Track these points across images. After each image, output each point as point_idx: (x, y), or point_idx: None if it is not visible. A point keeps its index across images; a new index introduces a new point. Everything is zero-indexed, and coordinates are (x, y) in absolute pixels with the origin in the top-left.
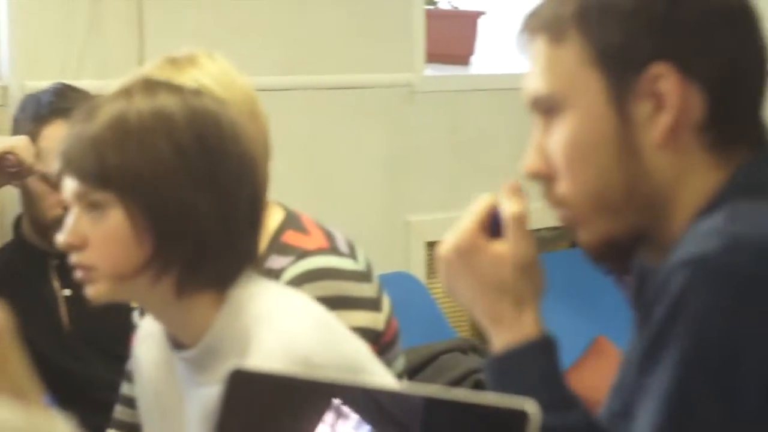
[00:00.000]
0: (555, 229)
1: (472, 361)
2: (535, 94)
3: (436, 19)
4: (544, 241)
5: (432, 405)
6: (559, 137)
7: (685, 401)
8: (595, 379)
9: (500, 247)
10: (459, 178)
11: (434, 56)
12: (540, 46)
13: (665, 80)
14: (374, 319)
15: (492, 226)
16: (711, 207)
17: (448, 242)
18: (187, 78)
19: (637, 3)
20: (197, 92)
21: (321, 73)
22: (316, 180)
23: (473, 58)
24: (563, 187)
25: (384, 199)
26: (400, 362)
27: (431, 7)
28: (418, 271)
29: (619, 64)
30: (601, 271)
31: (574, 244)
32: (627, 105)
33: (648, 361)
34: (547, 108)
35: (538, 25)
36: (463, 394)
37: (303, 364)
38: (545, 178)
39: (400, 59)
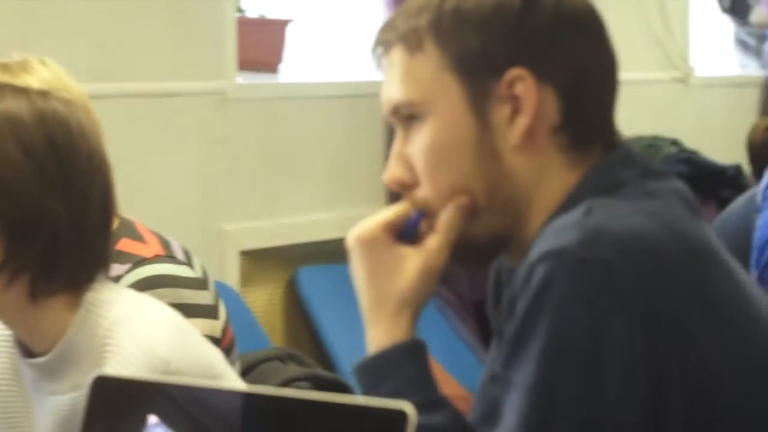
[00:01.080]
0: None
1: (291, 370)
2: (394, 103)
3: (245, 26)
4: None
5: (311, 408)
6: (420, 143)
7: (549, 391)
8: None
9: (408, 250)
10: (273, 186)
11: (244, 64)
12: (397, 56)
13: (521, 85)
14: (212, 327)
15: (405, 230)
16: (566, 205)
17: (354, 229)
18: (22, 84)
19: (492, 12)
20: (44, 93)
21: (133, 81)
22: (130, 189)
23: (281, 66)
24: (425, 191)
25: (198, 207)
26: (237, 368)
27: (239, 14)
28: (233, 280)
29: (477, 70)
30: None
31: None
32: (486, 110)
33: (512, 355)
34: (406, 116)
35: (394, 36)
36: (341, 397)
37: (163, 370)
38: (407, 185)
39: (212, 67)
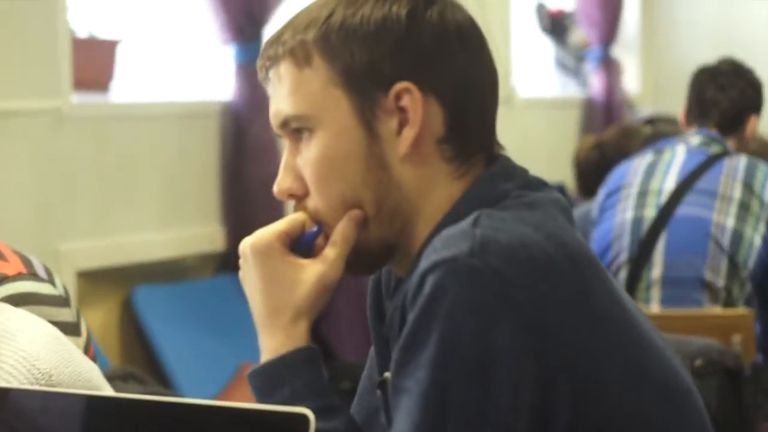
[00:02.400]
0: (199, 257)
1: (132, 389)
2: (284, 116)
3: (75, 46)
4: (188, 269)
5: (215, 415)
6: (310, 155)
7: (440, 397)
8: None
9: (305, 261)
10: (108, 205)
11: (75, 83)
12: (285, 70)
13: (408, 98)
14: (75, 343)
15: (302, 242)
16: (453, 216)
17: (249, 238)
18: None
19: (378, 27)
20: None
21: None
22: None
23: (112, 85)
24: (316, 202)
25: (33, 227)
26: None
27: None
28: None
29: (364, 84)
30: (245, 298)
31: (217, 273)
32: (373, 122)
33: (404, 362)
34: (296, 129)
35: (281, 50)
36: (244, 404)
37: (45, 383)
38: (298, 196)
39: (47, 85)
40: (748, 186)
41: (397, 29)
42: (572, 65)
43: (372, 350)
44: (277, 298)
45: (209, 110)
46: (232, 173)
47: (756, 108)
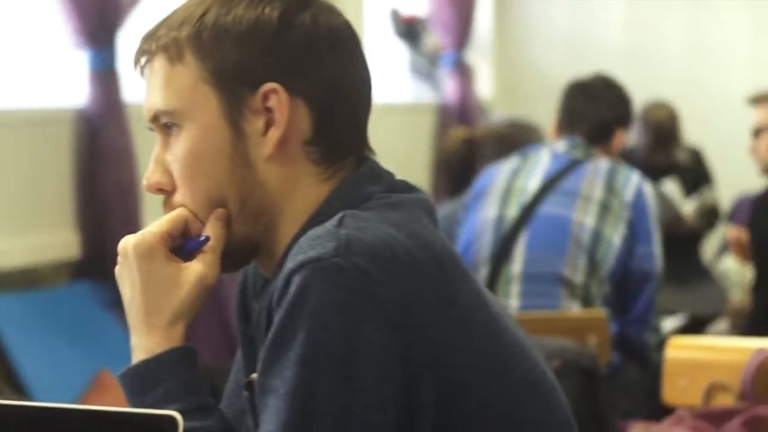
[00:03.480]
0: (54, 265)
1: None
2: (155, 110)
3: None
4: (43, 276)
5: (82, 418)
6: (177, 151)
7: (307, 395)
8: None
9: (185, 263)
10: None
11: None
12: (158, 65)
13: (275, 99)
14: None
15: (187, 248)
16: (318, 216)
17: (131, 238)
18: None
19: (250, 28)
20: None
21: None
22: None
23: None
24: (182, 198)
25: None
26: None
27: None
28: None
29: (233, 83)
30: (101, 305)
31: (72, 280)
32: (240, 121)
33: (271, 362)
34: (166, 124)
35: (155, 46)
36: (111, 408)
37: None
38: (166, 190)
39: None
40: (609, 187)
41: (269, 31)
42: (426, 70)
43: (239, 352)
44: (156, 300)
45: (63, 116)
46: (86, 180)
47: (624, 122)
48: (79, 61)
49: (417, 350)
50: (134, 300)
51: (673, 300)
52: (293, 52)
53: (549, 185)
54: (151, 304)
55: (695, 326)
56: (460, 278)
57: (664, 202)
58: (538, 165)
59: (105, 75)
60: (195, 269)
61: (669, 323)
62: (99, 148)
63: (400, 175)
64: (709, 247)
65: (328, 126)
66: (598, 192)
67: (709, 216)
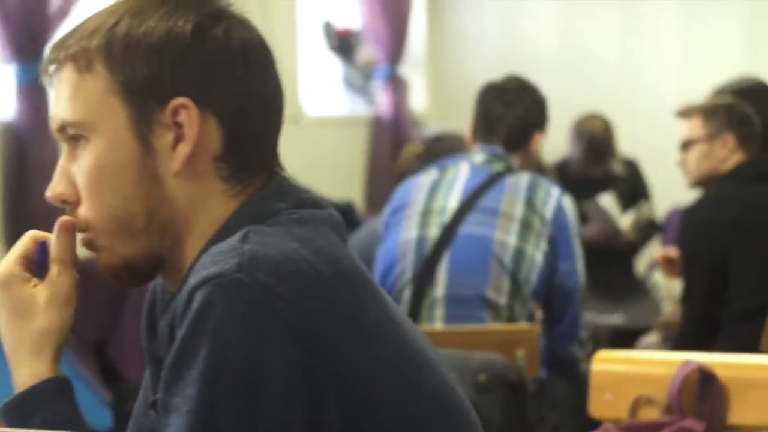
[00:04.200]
0: None
1: None
2: (62, 121)
3: None
4: None
5: None
6: (84, 162)
7: (210, 414)
8: None
9: (36, 287)
10: None
11: None
12: (67, 75)
13: (185, 114)
14: None
15: (38, 261)
16: (223, 232)
17: None
18: None
19: (161, 40)
20: None
21: None
22: None
23: None
24: (86, 211)
25: None
26: None
27: None
28: None
29: (143, 96)
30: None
31: None
32: (150, 135)
33: (173, 380)
34: (73, 135)
35: (64, 55)
36: None
37: None
38: (71, 202)
39: None
40: (529, 204)
41: (180, 44)
42: (360, 83)
43: (147, 370)
44: (18, 328)
45: None
46: (15, 194)
47: (540, 125)
48: (7, 75)
49: (322, 367)
50: (3, 333)
51: (608, 312)
52: (205, 67)
53: (469, 203)
54: (15, 335)
55: (629, 338)
56: (366, 294)
57: (601, 215)
58: (457, 180)
59: (33, 89)
60: (43, 291)
61: (606, 319)
62: (27, 163)
63: (334, 187)
64: (643, 260)
65: (238, 142)
66: (518, 209)
67: (646, 229)
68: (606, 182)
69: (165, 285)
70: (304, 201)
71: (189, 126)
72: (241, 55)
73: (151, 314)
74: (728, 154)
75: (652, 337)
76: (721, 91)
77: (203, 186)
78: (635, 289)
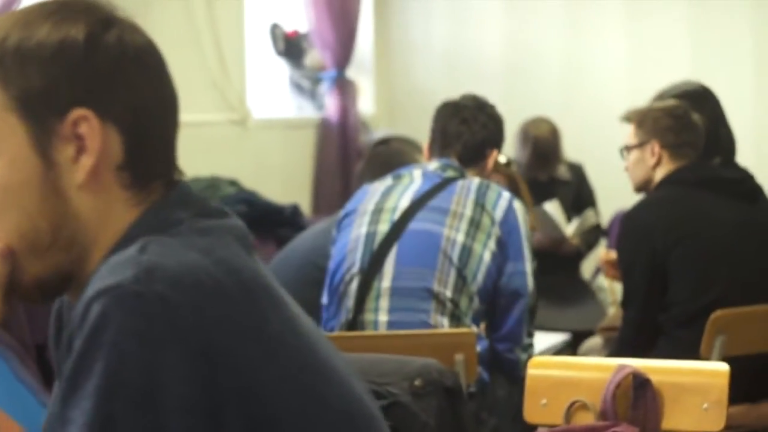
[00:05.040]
0: None
1: None
2: None
3: None
4: None
5: None
6: None
7: (107, 427)
8: None
9: None
10: None
11: None
12: None
13: (85, 125)
14: None
15: None
16: (122, 243)
17: None
18: None
19: (55, 51)
20: None
21: None
22: None
23: None
24: None
25: None
26: None
27: None
28: None
29: (40, 110)
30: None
31: None
32: (50, 149)
33: (70, 393)
34: None
35: None
36: None
37: None
38: None
39: None
40: (479, 204)
41: (74, 54)
42: (308, 87)
43: (55, 383)
44: None
45: None
46: None
47: (497, 143)
48: None
49: (223, 379)
50: None
51: (554, 317)
52: (101, 75)
53: (419, 202)
54: None
55: (575, 343)
56: (270, 306)
57: (547, 222)
58: (411, 185)
59: None
60: None
61: (550, 339)
62: None
63: (281, 190)
64: (590, 264)
65: (139, 150)
66: (468, 209)
67: (591, 235)
68: (552, 186)
69: (68, 296)
70: (206, 210)
71: (90, 137)
72: (135, 61)
73: (56, 327)
74: (657, 161)
75: (596, 340)
76: (662, 96)
77: (107, 197)
78: (582, 293)
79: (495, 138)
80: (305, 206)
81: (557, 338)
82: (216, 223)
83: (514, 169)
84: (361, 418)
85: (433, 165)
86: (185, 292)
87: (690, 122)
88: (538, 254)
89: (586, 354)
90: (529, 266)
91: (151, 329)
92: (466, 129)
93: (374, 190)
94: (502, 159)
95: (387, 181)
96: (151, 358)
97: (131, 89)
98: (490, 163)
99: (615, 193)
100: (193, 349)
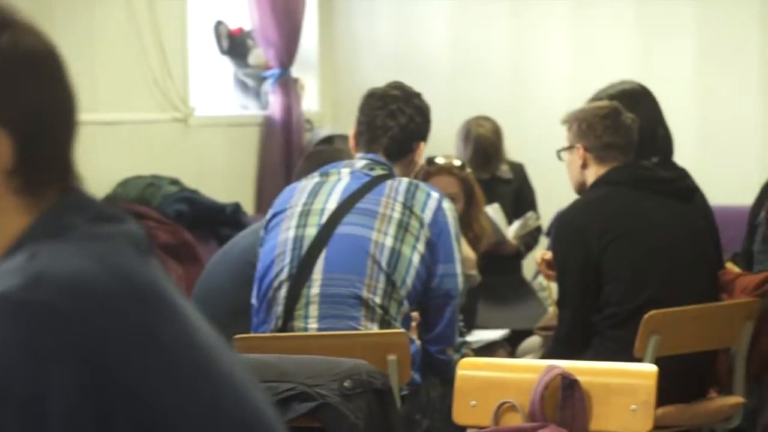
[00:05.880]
0: None
1: None
2: None
3: None
4: None
5: None
6: None
7: None
8: None
9: None
10: None
11: None
12: None
13: None
14: None
15: None
16: (12, 251)
17: None
18: None
19: None
20: None
21: None
22: None
23: None
24: None
25: None
26: None
27: None
28: None
29: None
30: None
31: None
32: None
33: None
34: None
35: None
36: None
37: None
38: None
39: None
40: (407, 206)
41: None
42: (253, 85)
43: None
44: None
45: None
46: None
47: (423, 135)
48: None
49: (111, 391)
50: None
51: (495, 317)
52: None
53: (347, 205)
54: None
55: (515, 342)
56: (164, 314)
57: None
58: (339, 184)
59: None
60: None
61: (490, 335)
62: None
63: (224, 189)
64: (530, 264)
65: (31, 155)
66: (396, 211)
67: (532, 236)
68: (493, 185)
69: None
70: (102, 215)
71: None
72: (29, 64)
73: None
74: (583, 163)
75: (534, 339)
76: (598, 96)
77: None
78: (522, 293)
79: (422, 131)
80: (249, 205)
81: (495, 333)
82: (112, 228)
83: (469, 171)
84: (258, 427)
85: (361, 163)
86: (74, 299)
87: (617, 124)
88: (479, 255)
89: (524, 353)
90: (459, 267)
91: (35, 338)
92: (394, 123)
93: (302, 188)
94: (457, 162)
95: (314, 178)
96: (36, 368)
97: (24, 93)
98: (417, 156)
99: (556, 193)
100: (80, 358)
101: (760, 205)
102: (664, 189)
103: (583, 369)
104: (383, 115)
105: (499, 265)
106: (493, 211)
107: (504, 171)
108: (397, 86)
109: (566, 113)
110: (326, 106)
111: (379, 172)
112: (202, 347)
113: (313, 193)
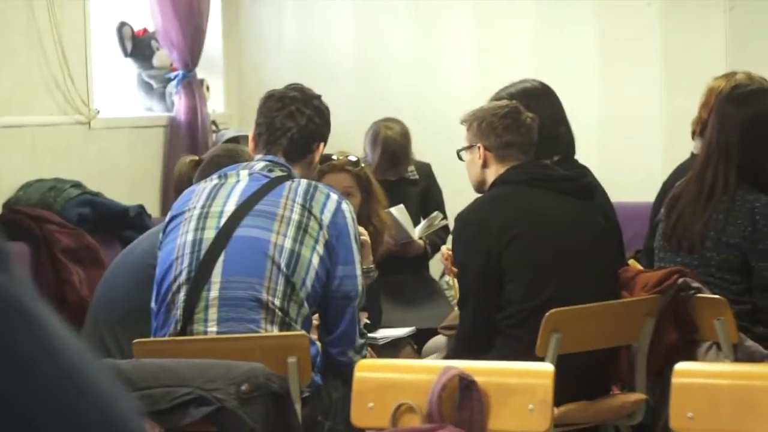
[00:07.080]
0: None
1: None
2: None
3: None
4: None
5: None
6: None
7: None
8: None
9: None
10: None
11: None
12: None
13: None
14: None
15: None
16: None
17: None
18: None
19: None
20: None
21: None
22: None
23: None
24: None
25: None
26: None
27: None
28: None
29: None
30: None
31: None
32: None
33: None
34: None
35: None
36: None
37: None
38: None
39: None
40: (306, 208)
41: None
42: (157, 87)
43: None
44: None
45: None
46: None
47: (323, 137)
48: None
49: None
50: None
51: (401, 317)
52: None
53: (246, 207)
54: None
55: (422, 342)
56: (20, 326)
57: (395, 226)
58: (237, 186)
59: None
60: None
61: (396, 332)
62: None
63: (129, 191)
64: (437, 263)
65: None
66: (295, 213)
67: (438, 236)
68: (400, 186)
69: None
70: None
71: None
72: None
73: None
74: (484, 163)
75: (440, 338)
76: (499, 95)
77: None
78: (428, 292)
79: (322, 131)
80: (154, 207)
81: (401, 331)
82: None
83: (364, 167)
84: None
85: (260, 164)
86: None
87: (516, 123)
88: (386, 256)
89: (429, 352)
90: (359, 268)
91: None
92: (293, 124)
93: (200, 190)
94: (352, 158)
95: (212, 181)
96: None
97: None
98: (317, 157)
99: (463, 192)
100: None
101: (661, 201)
102: (563, 187)
103: (481, 369)
104: (282, 116)
105: (406, 265)
106: (398, 212)
107: (410, 172)
108: (297, 88)
109: (465, 113)
110: (232, 107)
111: (277, 173)
112: (65, 357)
113: (212, 196)
